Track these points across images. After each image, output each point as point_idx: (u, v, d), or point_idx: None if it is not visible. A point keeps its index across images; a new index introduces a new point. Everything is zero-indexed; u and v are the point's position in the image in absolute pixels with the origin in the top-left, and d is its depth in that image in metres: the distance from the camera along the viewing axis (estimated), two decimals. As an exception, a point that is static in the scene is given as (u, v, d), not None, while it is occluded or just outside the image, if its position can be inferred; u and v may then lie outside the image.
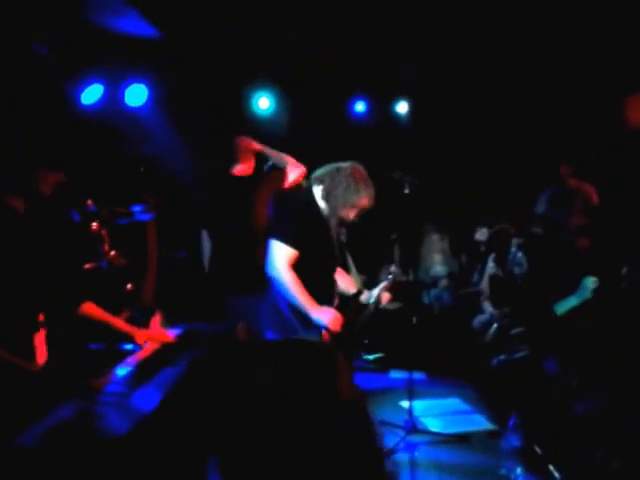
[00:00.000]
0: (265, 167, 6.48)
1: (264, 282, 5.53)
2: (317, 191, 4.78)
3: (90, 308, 3.96)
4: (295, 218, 4.61)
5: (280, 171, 6.37)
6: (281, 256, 4.46)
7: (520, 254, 7.54)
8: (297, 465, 1.43)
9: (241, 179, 6.29)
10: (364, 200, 4.74)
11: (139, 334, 4.09)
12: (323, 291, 4.70)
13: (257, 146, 6.46)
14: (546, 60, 8.48)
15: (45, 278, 3.73)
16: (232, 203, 6.20)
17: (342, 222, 4.84)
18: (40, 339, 3.69)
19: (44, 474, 2.73)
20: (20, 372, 3.39)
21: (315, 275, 4.61)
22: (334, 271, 4.93)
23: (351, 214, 4.76)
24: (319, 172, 4.84)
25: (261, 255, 5.17)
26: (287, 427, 1.39)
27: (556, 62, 8.46)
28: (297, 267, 4.54)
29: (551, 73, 8.68)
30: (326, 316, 4.50)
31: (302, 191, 4.95)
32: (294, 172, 6.30)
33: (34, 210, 3.71)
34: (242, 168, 6.31)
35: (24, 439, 2.78)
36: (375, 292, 5.08)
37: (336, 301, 4.93)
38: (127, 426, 2.90)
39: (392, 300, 5.42)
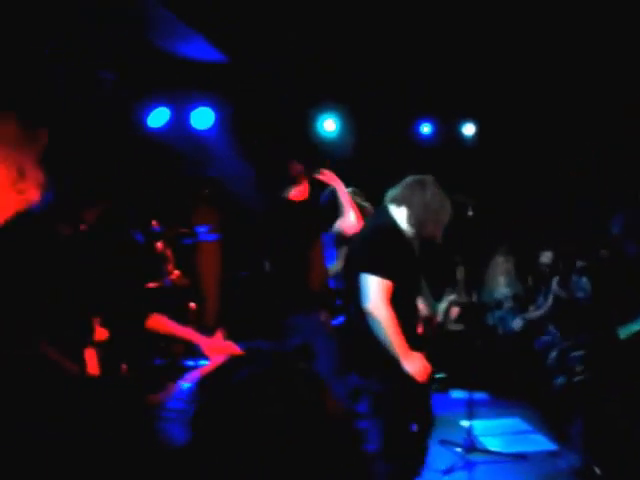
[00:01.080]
0: (325, 194, 6.46)
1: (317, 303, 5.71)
2: (397, 212, 4.55)
3: (158, 320, 4.01)
4: (386, 248, 4.39)
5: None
6: (379, 291, 4.24)
7: (584, 279, 7.56)
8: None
9: (298, 203, 6.31)
10: (448, 214, 4.61)
11: (207, 344, 4.11)
12: (409, 317, 4.51)
13: (337, 182, 6.29)
14: (620, 83, 8.42)
15: (105, 295, 3.82)
16: (289, 225, 6.23)
17: (425, 242, 4.64)
18: (90, 354, 3.82)
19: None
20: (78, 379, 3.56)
21: (403, 302, 4.40)
22: (418, 296, 4.74)
23: (438, 231, 4.58)
24: (397, 192, 4.61)
25: (315, 277, 5.31)
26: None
27: (631, 84, 8.38)
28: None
29: (626, 96, 8.61)
30: (415, 365, 4.30)
31: (381, 216, 4.64)
32: (347, 222, 6.18)
33: (95, 230, 3.88)
34: (297, 191, 6.32)
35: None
36: (442, 305, 5.09)
37: (419, 328, 4.79)
38: (185, 437, 3.00)
39: (457, 321, 5.45)
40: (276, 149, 8.37)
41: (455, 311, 5.23)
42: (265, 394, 1.68)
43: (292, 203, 6.21)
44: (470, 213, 6.13)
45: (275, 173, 6.58)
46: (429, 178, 4.63)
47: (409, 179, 4.66)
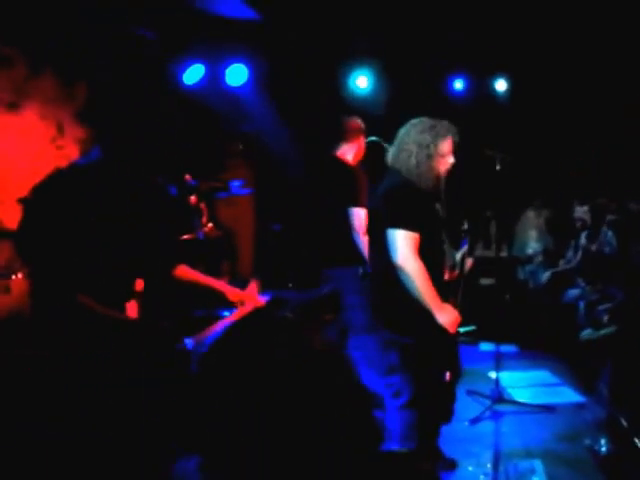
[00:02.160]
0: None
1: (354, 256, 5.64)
2: (403, 168, 4.43)
3: (184, 270, 4.06)
4: (407, 202, 4.32)
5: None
6: (407, 244, 4.19)
7: (610, 233, 7.43)
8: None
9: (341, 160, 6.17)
10: (447, 142, 4.41)
11: (232, 292, 4.18)
12: (436, 268, 4.43)
13: None
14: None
15: (141, 244, 3.83)
16: (336, 182, 6.10)
17: (437, 183, 4.46)
18: (132, 307, 3.85)
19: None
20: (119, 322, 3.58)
21: (429, 253, 4.33)
22: (443, 245, 4.62)
23: (442, 165, 4.42)
24: (392, 156, 4.53)
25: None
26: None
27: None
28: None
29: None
30: (448, 317, 4.26)
31: (394, 175, 4.44)
32: None
33: (133, 183, 3.86)
34: (350, 148, 6.15)
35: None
36: (457, 257, 5.02)
37: (446, 275, 4.70)
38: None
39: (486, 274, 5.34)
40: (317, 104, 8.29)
41: (470, 262, 5.12)
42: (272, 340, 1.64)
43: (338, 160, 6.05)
44: (498, 167, 5.99)
45: (327, 128, 6.40)
46: (410, 123, 4.49)
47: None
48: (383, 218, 4.34)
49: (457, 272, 4.82)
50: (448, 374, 4.51)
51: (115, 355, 3.35)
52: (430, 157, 4.35)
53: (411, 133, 4.41)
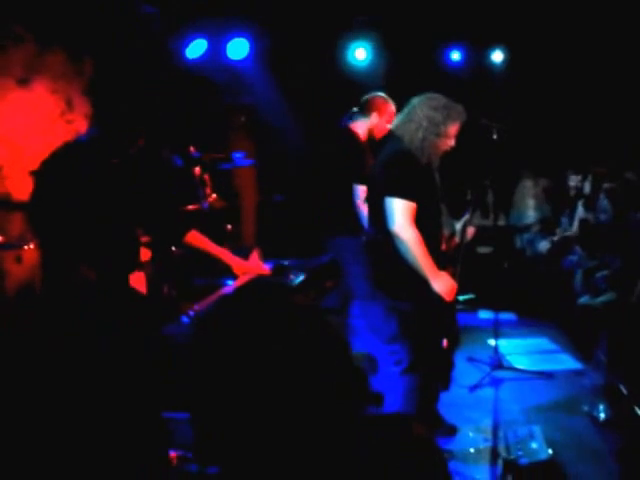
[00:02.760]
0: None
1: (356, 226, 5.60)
2: (407, 137, 4.37)
3: (195, 236, 4.07)
4: (406, 170, 4.29)
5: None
6: (403, 213, 4.16)
7: (606, 201, 7.39)
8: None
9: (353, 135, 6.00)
10: (455, 125, 4.40)
11: (237, 265, 4.17)
12: (433, 237, 4.42)
13: None
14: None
15: (148, 216, 3.90)
16: (338, 152, 6.03)
17: (435, 160, 4.44)
18: (139, 278, 3.85)
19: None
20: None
21: (427, 222, 4.32)
22: (440, 215, 4.60)
23: (444, 145, 4.40)
24: (398, 121, 4.48)
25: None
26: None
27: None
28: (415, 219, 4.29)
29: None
30: (444, 285, 4.24)
31: (395, 142, 4.40)
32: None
33: (139, 154, 3.86)
34: (363, 123, 5.92)
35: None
36: (458, 226, 4.99)
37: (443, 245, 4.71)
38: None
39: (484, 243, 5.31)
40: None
41: (471, 231, 5.10)
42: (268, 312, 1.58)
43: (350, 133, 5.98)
44: (495, 136, 5.92)
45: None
46: (420, 98, 4.44)
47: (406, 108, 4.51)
48: (381, 186, 4.32)
49: (457, 240, 4.80)
50: (445, 341, 4.52)
51: (115, 329, 3.34)
52: (438, 135, 4.32)
53: (424, 107, 4.36)
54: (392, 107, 5.73)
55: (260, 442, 1.46)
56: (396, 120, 4.53)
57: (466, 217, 4.93)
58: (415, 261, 4.16)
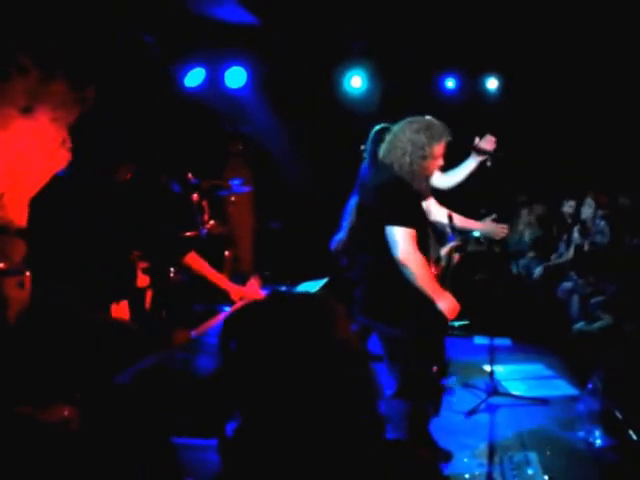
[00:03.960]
0: None
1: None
2: (395, 164, 4.34)
3: (194, 258, 4.06)
4: (404, 198, 4.29)
5: None
6: (408, 240, 4.17)
7: (603, 223, 7.37)
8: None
9: None
10: (441, 145, 4.34)
11: (235, 291, 4.13)
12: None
13: None
14: None
15: (145, 242, 3.92)
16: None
17: (426, 183, 4.52)
18: (122, 307, 3.81)
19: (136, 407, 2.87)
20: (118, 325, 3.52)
21: (421, 248, 4.29)
22: (429, 239, 4.61)
23: (433, 166, 4.38)
24: (384, 150, 4.42)
25: None
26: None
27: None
28: None
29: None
30: (448, 305, 4.24)
31: (386, 171, 4.36)
32: None
33: (137, 181, 3.84)
34: None
35: (120, 378, 2.92)
36: (443, 252, 4.98)
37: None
38: (215, 366, 3.03)
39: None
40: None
41: (457, 257, 5.08)
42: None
43: None
44: (489, 164, 5.88)
45: None
46: (401, 123, 4.40)
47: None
48: (379, 214, 4.28)
49: (442, 266, 4.78)
50: (435, 367, 4.53)
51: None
52: (424, 158, 4.28)
53: (406, 131, 4.32)
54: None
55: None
56: (381, 149, 4.46)
57: (452, 244, 4.91)
58: (422, 284, 4.17)
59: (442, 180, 5.38)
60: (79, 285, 3.45)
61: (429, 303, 4.21)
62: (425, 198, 4.63)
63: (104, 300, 3.67)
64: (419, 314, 4.21)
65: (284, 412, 1.51)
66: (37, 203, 3.61)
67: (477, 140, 5.15)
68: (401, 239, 4.16)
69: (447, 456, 4.94)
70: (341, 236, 6.16)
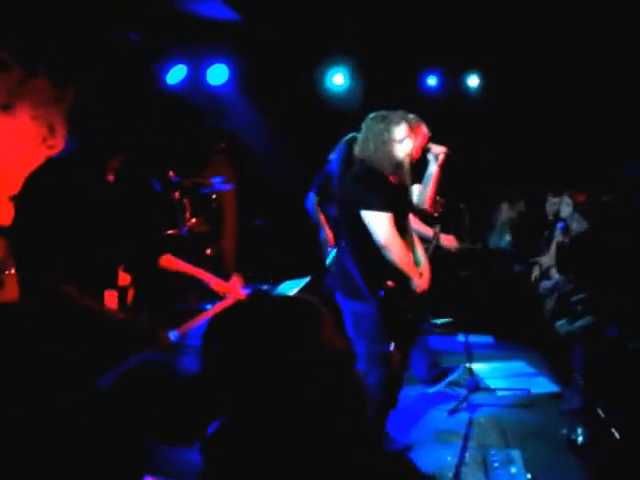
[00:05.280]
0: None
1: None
2: (366, 156, 4.63)
3: (170, 259, 4.03)
4: (380, 186, 4.53)
5: None
6: (386, 224, 4.43)
7: (578, 216, 7.40)
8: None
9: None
10: (399, 128, 4.54)
11: (216, 283, 4.11)
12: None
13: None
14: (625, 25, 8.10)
15: (125, 240, 3.84)
16: None
17: (398, 169, 4.63)
18: (111, 297, 3.76)
19: (117, 412, 2.83)
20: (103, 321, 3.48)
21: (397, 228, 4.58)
22: (407, 227, 4.82)
23: (399, 150, 4.55)
24: (358, 147, 4.72)
25: None
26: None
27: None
28: None
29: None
30: (422, 282, 4.70)
31: (362, 164, 4.66)
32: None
33: (117, 179, 3.80)
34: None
35: (101, 381, 2.88)
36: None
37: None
38: (197, 367, 2.96)
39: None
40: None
41: (448, 238, 5.63)
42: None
43: None
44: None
45: None
46: (369, 116, 4.69)
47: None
48: (355, 202, 4.52)
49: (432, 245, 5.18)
50: (393, 345, 4.67)
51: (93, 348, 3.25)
52: (385, 143, 4.54)
53: (369, 125, 4.64)
54: (424, 127, 5.59)
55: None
56: (356, 147, 4.76)
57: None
58: (402, 266, 4.53)
59: (420, 194, 5.48)
60: (75, 278, 3.41)
61: (397, 283, 4.58)
62: (404, 183, 4.77)
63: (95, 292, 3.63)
64: (385, 292, 4.54)
65: (267, 413, 1.50)
66: (27, 192, 3.54)
67: (429, 144, 5.21)
68: (380, 224, 4.43)
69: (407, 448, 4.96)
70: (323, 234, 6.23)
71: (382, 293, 4.56)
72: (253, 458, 1.52)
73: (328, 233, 6.28)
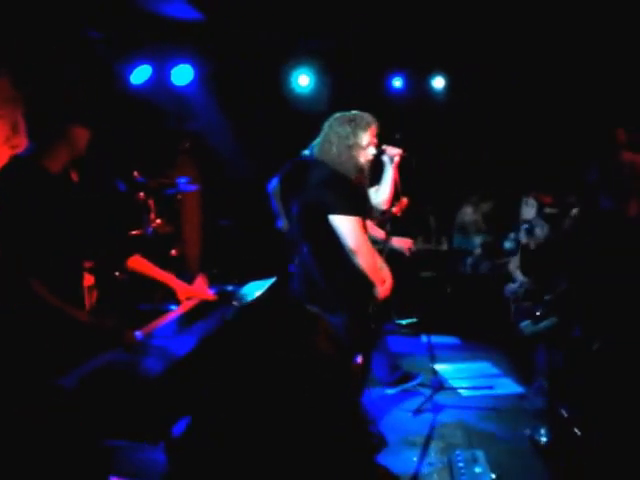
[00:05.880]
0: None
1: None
2: (327, 159, 4.56)
3: (138, 261, 3.99)
4: (348, 190, 4.48)
5: None
6: (356, 229, 4.40)
7: (540, 220, 7.46)
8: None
9: None
10: (366, 134, 4.54)
11: (182, 289, 4.07)
12: None
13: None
14: (594, 31, 8.17)
15: (89, 241, 3.79)
16: None
17: (359, 174, 4.61)
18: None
19: (82, 412, 2.88)
20: (70, 320, 3.44)
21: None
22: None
23: (362, 156, 4.55)
24: (317, 148, 4.66)
25: None
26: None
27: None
28: None
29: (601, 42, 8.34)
30: (384, 289, 4.65)
31: (324, 167, 4.57)
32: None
33: (81, 177, 3.77)
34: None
35: (65, 381, 2.85)
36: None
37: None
38: (162, 368, 2.97)
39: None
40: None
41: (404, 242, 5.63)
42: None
43: None
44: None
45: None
46: (328, 121, 4.65)
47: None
48: (322, 207, 4.44)
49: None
50: (360, 358, 4.63)
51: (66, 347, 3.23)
52: (350, 148, 4.49)
53: (333, 126, 4.57)
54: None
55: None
56: (315, 148, 4.67)
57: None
58: (369, 270, 4.49)
59: (376, 196, 5.41)
60: (44, 276, 3.37)
61: (362, 294, 4.58)
62: (365, 187, 4.81)
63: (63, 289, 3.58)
64: (351, 303, 4.53)
65: (236, 416, 1.49)
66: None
67: (384, 146, 5.17)
68: (350, 228, 4.39)
69: (381, 442, 4.96)
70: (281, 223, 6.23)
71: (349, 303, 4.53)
72: (218, 459, 1.51)
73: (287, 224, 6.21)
